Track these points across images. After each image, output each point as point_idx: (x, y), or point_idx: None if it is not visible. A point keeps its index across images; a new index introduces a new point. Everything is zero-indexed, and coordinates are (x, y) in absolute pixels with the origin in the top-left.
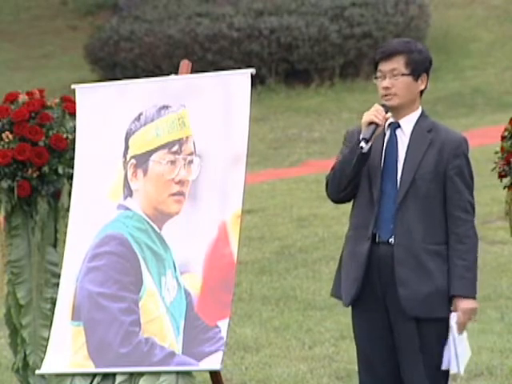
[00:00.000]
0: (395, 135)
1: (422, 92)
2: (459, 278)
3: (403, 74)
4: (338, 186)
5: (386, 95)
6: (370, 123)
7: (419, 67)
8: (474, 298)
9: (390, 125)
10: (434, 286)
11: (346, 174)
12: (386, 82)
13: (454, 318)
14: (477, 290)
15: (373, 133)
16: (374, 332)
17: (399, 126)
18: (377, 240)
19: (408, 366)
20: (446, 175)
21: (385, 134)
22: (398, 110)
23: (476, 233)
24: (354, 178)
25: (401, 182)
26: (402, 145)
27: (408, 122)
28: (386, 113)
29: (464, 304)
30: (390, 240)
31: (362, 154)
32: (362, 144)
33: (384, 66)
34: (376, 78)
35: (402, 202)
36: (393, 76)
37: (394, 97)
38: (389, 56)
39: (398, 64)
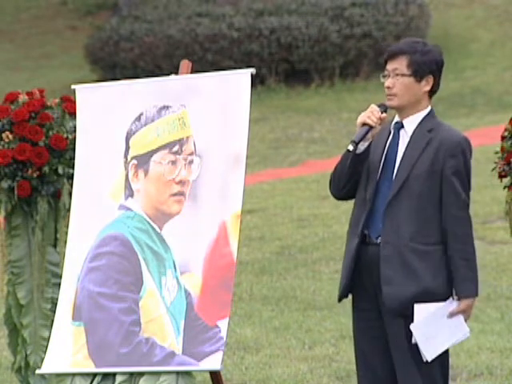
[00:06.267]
0: (398, 135)
1: (431, 93)
2: (462, 280)
3: (403, 75)
4: (337, 185)
5: (388, 95)
6: (364, 124)
7: (422, 68)
8: (475, 296)
9: (395, 124)
10: (421, 287)
11: (343, 173)
12: (387, 82)
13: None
14: (479, 288)
15: (364, 135)
16: (370, 332)
17: (403, 126)
18: (366, 240)
19: (399, 366)
20: (442, 175)
21: (390, 134)
22: (401, 110)
23: (473, 231)
24: (351, 177)
25: (395, 180)
26: (403, 145)
27: (411, 123)
28: (382, 113)
29: (464, 305)
30: (378, 240)
31: (357, 154)
32: (350, 147)
33: (389, 65)
34: (384, 76)
35: (393, 200)
36: (395, 76)
37: (394, 97)
38: (393, 55)
39: (401, 64)
